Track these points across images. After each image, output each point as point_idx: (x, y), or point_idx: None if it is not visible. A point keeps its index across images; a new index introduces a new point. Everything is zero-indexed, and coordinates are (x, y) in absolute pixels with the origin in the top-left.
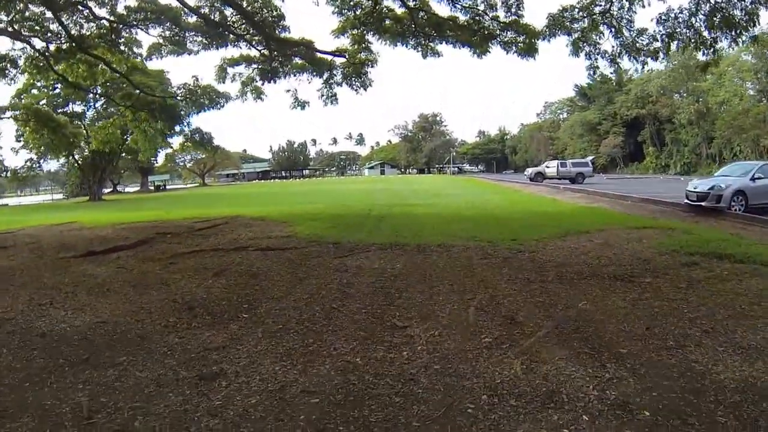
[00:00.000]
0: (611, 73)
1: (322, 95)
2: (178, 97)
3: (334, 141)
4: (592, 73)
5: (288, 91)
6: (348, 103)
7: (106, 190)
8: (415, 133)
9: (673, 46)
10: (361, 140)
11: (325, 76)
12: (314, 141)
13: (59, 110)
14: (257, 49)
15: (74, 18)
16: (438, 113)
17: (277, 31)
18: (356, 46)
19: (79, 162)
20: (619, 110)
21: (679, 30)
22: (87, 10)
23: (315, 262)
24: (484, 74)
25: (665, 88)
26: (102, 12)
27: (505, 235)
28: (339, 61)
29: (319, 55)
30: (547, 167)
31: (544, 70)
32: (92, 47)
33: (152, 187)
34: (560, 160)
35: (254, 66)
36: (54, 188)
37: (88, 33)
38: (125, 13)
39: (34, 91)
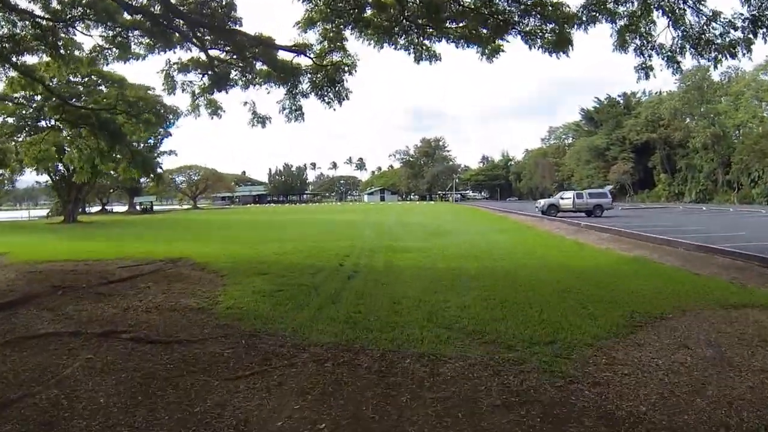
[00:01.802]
0: (673, 72)
1: (284, 108)
2: (115, 110)
3: (334, 165)
4: (643, 75)
5: (245, 103)
6: (347, 125)
7: (94, 209)
8: (417, 158)
9: (759, 37)
10: (361, 165)
11: (289, 84)
12: (313, 165)
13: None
14: (206, 52)
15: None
16: (440, 137)
17: (228, 24)
18: (327, 44)
19: (54, 179)
20: (628, 134)
21: None
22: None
23: (182, 388)
24: (490, 76)
25: (678, 110)
26: (33, 7)
27: (533, 325)
28: (306, 63)
29: (280, 54)
30: (562, 198)
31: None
32: (30, 50)
33: (139, 208)
34: (576, 191)
35: (208, 73)
36: (47, 204)
37: (22, 33)
38: (59, 8)
39: (8, 104)
